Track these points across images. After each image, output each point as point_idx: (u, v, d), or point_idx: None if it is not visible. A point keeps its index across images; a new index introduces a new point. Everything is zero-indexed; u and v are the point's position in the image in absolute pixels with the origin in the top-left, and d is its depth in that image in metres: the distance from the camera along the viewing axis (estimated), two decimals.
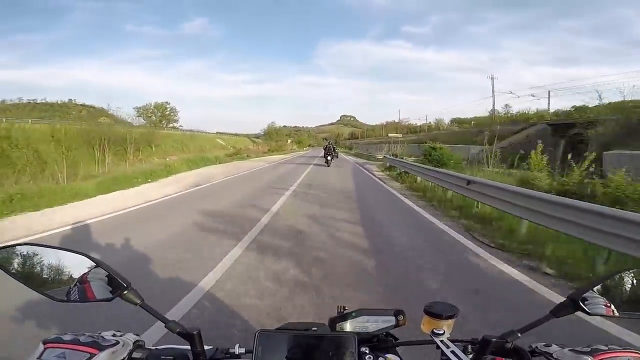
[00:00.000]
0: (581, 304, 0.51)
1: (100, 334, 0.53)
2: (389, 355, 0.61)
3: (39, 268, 0.57)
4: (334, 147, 19.61)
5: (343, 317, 0.65)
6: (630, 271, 0.54)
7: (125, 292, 0.55)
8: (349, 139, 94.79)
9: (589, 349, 0.48)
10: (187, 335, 0.54)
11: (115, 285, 0.55)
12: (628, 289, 0.53)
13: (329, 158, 17.78)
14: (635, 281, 0.53)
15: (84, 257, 0.56)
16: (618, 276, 0.53)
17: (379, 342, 0.65)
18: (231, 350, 0.57)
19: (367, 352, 0.56)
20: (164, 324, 0.55)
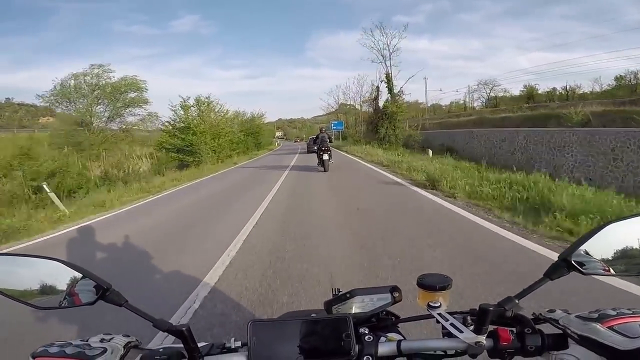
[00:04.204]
0: (574, 263, 0.59)
1: (87, 340, 0.60)
2: (390, 334, 0.70)
3: (15, 278, 0.65)
4: (329, 138, 13.72)
5: (338, 299, 0.74)
6: (616, 223, 0.60)
7: (107, 293, 0.63)
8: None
9: (597, 315, 0.54)
10: (177, 333, 0.61)
11: (96, 288, 0.64)
12: (618, 242, 0.60)
13: (325, 157, 12.52)
14: (622, 235, 0.60)
15: (60, 263, 0.65)
16: (604, 230, 0.60)
17: (379, 321, 0.74)
18: (227, 345, 0.66)
19: (367, 332, 0.64)
20: (151, 323, 0.62)
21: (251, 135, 39.84)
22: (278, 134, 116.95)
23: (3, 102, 67.20)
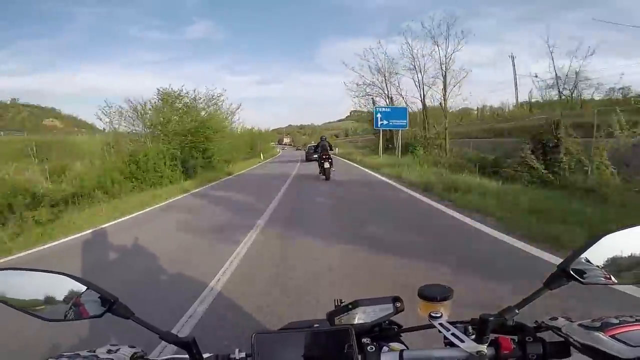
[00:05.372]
0: (572, 273, 0.62)
1: (94, 352, 0.63)
2: (392, 344, 0.74)
3: (22, 291, 0.69)
4: (330, 146, 13.89)
5: (340, 310, 0.77)
6: (613, 234, 0.63)
7: (114, 306, 0.67)
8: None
9: (600, 324, 0.56)
10: (183, 344, 0.65)
11: (103, 301, 0.68)
12: (615, 253, 0.63)
13: (326, 166, 12.96)
14: (618, 245, 0.63)
15: (67, 277, 0.69)
16: (602, 241, 0.62)
17: (381, 331, 0.77)
18: (231, 356, 0.69)
19: (369, 342, 0.67)
20: (157, 335, 0.66)
21: (184, 143, 18.23)
22: (286, 140, 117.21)
23: (8, 102, 68.98)
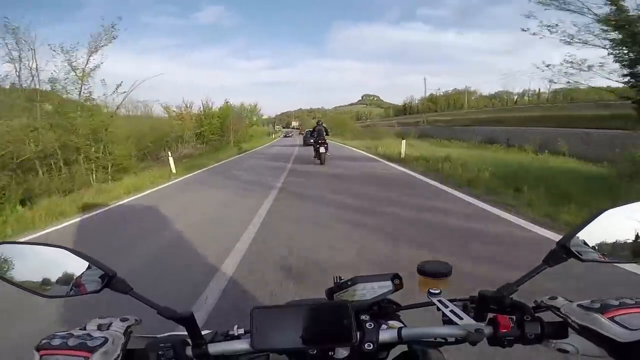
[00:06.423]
0: (572, 250, 0.62)
1: (85, 327, 0.64)
2: (391, 322, 0.75)
3: (22, 266, 0.68)
4: (326, 130, 14.11)
5: (339, 287, 0.79)
6: (612, 210, 0.63)
7: (112, 281, 0.68)
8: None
9: (599, 305, 0.56)
10: (181, 320, 0.65)
11: (101, 276, 0.68)
12: (615, 229, 0.63)
13: (322, 150, 13.27)
14: (618, 221, 0.63)
15: (66, 251, 0.69)
16: (601, 217, 0.62)
17: (380, 309, 0.79)
18: (230, 332, 0.71)
19: (368, 319, 0.68)
20: (155, 311, 0.66)
21: None
22: (294, 123, 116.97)
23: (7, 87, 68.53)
